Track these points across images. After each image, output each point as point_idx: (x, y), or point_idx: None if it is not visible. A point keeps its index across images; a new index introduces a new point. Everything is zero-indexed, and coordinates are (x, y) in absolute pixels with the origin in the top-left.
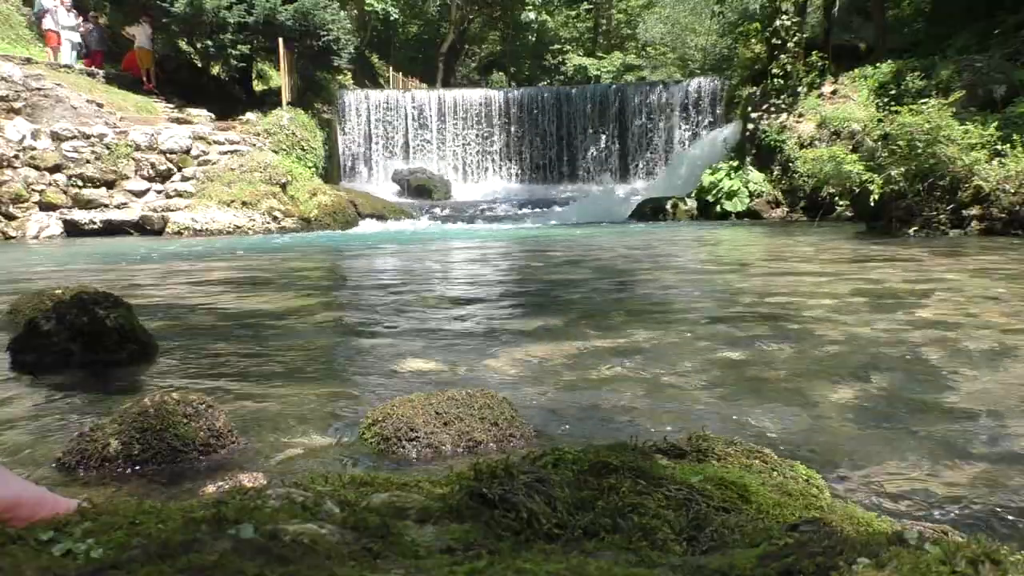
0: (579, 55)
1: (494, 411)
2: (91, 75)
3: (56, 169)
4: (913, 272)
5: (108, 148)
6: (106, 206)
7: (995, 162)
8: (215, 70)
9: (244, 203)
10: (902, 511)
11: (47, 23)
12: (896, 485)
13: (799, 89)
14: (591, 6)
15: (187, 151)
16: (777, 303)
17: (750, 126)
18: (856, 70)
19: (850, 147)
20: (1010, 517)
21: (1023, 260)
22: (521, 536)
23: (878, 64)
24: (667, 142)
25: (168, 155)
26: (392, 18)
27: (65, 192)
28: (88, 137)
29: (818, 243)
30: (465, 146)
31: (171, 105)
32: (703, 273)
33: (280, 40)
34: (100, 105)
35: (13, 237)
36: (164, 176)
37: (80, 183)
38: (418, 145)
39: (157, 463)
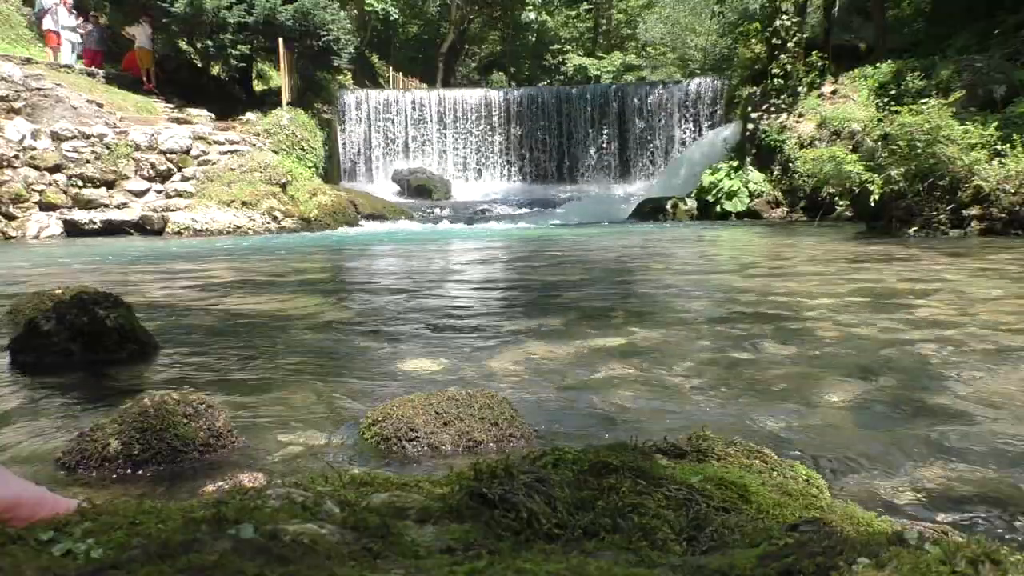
0: (579, 55)
1: (494, 411)
2: (91, 75)
3: (56, 169)
4: (913, 272)
5: (108, 148)
6: (106, 206)
7: (995, 162)
8: (215, 70)
9: (244, 203)
10: (902, 511)
11: (47, 23)
12: (896, 485)
13: (799, 89)
14: (591, 6)
15: (187, 151)
16: (777, 303)
17: (750, 126)
18: (856, 70)
19: (850, 147)
20: (1010, 517)
21: (1023, 260)
22: (521, 536)
23: (878, 64)
24: (667, 142)
25: (168, 155)
26: (392, 18)
27: (65, 192)
28: (88, 137)
29: (818, 243)
30: (465, 146)
31: (171, 105)
32: (703, 273)
33: (280, 40)
34: (100, 105)
35: (13, 237)
36: (164, 176)
37: (80, 183)
38: (418, 145)
39: (157, 463)
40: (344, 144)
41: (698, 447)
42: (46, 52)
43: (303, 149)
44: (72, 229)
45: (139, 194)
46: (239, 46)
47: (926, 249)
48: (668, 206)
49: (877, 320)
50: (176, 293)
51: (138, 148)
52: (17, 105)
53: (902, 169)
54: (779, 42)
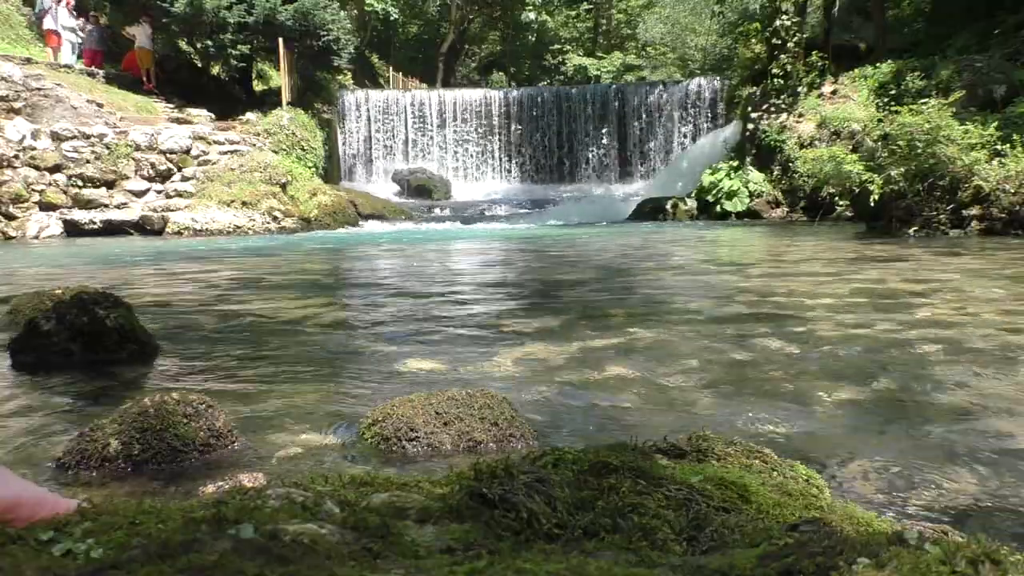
0: (579, 55)
1: (494, 411)
2: (91, 75)
3: (56, 169)
4: (913, 272)
5: (108, 148)
6: (106, 206)
7: (995, 162)
8: (215, 70)
9: (244, 203)
10: (902, 511)
11: (48, 23)
12: (896, 485)
13: (799, 89)
14: (591, 6)
15: (187, 151)
16: (777, 303)
17: (750, 126)
18: (856, 70)
19: (850, 147)
20: (1010, 517)
21: (1023, 260)
22: (521, 536)
23: (878, 64)
24: (667, 142)
25: (168, 155)
26: (392, 18)
27: (65, 192)
28: (88, 137)
29: (818, 243)
30: (465, 146)
31: (171, 105)
32: (703, 273)
33: (280, 40)
34: (100, 105)
35: (13, 237)
36: (164, 176)
37: (80, 183)
38: (418, 145)
39: (157, 463)
40: (344, 144)
41: (698, 447)
42: (46, 52)
43: (303, 149)
44: (72, 229)
45: (139, 194)
46: (239, 46)
47: (926, 249)
48: (668, 206)
49: (877, 320)
50: (176, 293)
51: (138, 148)
52: (17, 105)
53: (902, 169)
54: (779, 42)
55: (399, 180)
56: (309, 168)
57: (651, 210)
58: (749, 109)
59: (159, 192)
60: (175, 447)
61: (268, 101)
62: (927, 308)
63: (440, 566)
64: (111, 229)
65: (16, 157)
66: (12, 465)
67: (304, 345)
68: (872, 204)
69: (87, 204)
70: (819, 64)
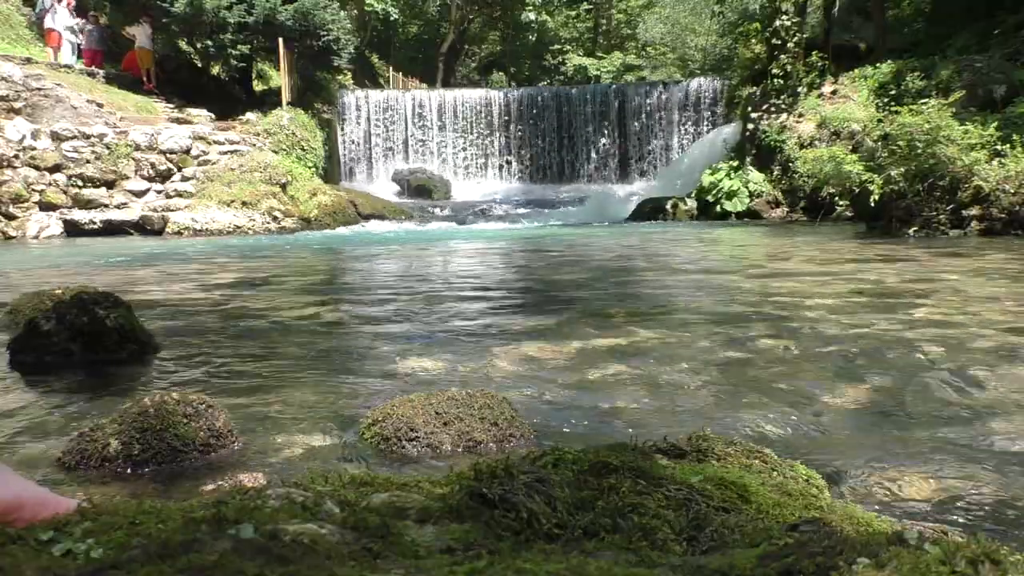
0: (579, 55)
1: (494, 411)
2: (91, 75)
3: (56, 169)
4: (913, 272)
5: (108, 148)
6: (106, 206)
7: (995, 162)
8: (215, 70)
9: (244, 203)
10: (902, 511)
11: (48, 22)
12: (896, 485)
13: (799, 89)
14: (591, 6)
15: (187, 151)
16: (777, 303)
17: (750, 126)
18: (856, 70)
19: (850, 147)
20: (1011, 517)
21: (1023, 260)
22: (521, 536)
23: (878, 64)
24: (667, 142)
25: (168, 155)
26: (392, 18)
27: (65, 192)
28: (88, 137)
29: (818, 243)
30: (465, 146)
31: (171, 105)
32: (703, 273)
33: (280, 40)
34: (100, 105)
35: (13, 237)
36: (164, 176)
37: (80, 183)
38: (418, 145)
39: (157, 463)
40: (344, 144)
41: (698, 447)
42: (46, 52)
43: (303, 149)
44: (72, 229)
45: (139, 194)
46: (239, 46)
47: (926, 249)
48: (668, 206)
49: (877, 320)
50: (176, 293)
51: (138, 148)
52: (17, 105)
53: (902, 169)
54: (779, 42)
55: (399, 180)
56: (309, 168)
57: (651, 210)
58: (749, 109)
59: (159, 192)
60: (175, 447)
61: (268, 101)
62: (927, 308)
63: (440, 566)
64: (111, 229)
65: (16, 157)
66: (12, 465)
67: (304, 345)
68: (872, 204)
69: (87, 204)
70: (819, 64)
